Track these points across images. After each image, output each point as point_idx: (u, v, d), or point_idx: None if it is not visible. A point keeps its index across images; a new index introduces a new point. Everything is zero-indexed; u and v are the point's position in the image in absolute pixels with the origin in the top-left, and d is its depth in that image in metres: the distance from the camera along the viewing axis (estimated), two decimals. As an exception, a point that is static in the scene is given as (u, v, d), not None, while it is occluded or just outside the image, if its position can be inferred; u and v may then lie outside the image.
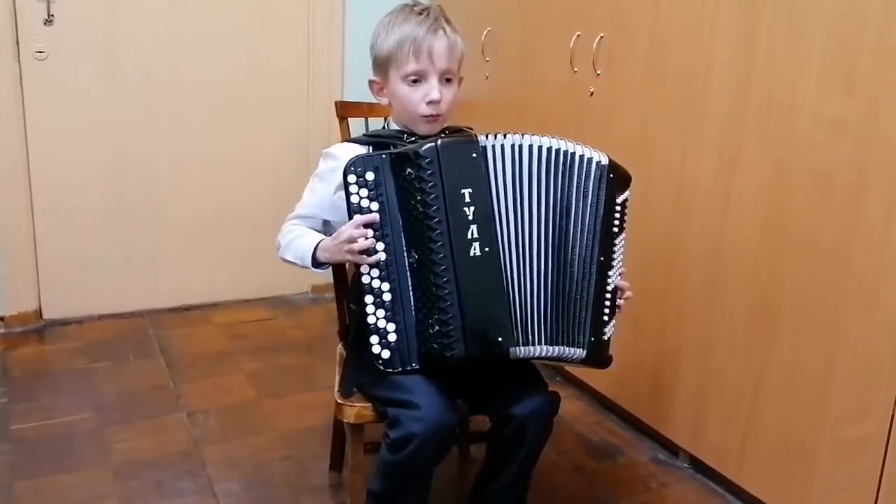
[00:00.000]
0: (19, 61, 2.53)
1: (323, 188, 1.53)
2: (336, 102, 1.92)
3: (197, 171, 2.87)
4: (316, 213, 1.54)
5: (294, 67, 2.95)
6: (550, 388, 1.51)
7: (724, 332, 1.84)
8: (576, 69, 2.21)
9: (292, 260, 1.53)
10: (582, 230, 1.42)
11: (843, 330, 1.56)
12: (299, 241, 1.51)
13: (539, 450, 1.51)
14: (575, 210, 1.42)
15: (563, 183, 1.41)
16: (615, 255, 1.48)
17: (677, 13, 1.90)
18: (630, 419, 2.22)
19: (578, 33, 2.18)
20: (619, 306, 1.50)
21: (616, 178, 1.46)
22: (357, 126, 1.85)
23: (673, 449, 2.08)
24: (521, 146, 1.39)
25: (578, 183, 1.42)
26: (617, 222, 1.47)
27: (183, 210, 2.88)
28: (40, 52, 2.55)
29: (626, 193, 1.50)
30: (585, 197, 1.42)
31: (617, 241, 1.48)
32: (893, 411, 1.47)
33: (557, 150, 1.41)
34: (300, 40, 2.94)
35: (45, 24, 2.53)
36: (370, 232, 1.36)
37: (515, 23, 2.50)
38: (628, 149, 2.08)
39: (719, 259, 1.84)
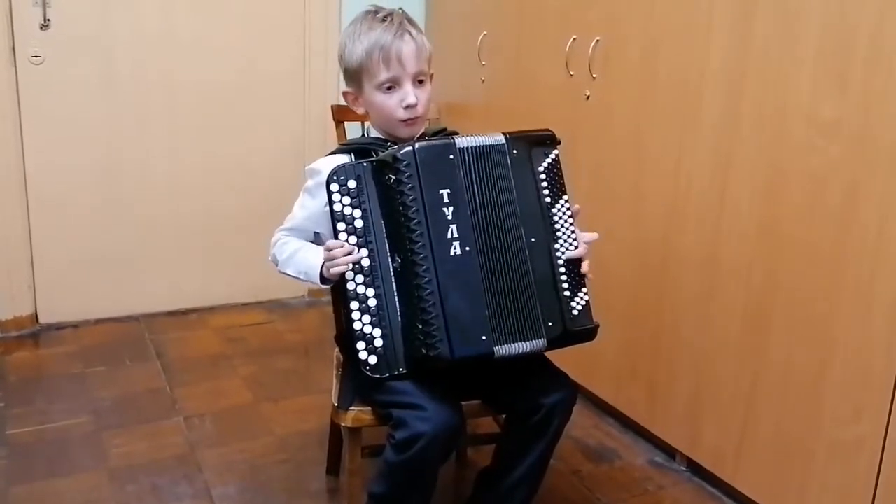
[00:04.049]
0: (15, 65, 2.53)
1: (313, 203, 1.55)
2: (332, 106, 1.92)
3: (193, 174, 2.87)
4: (308, 225, 1.56)
5: (289, 70, 2.95)
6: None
7: (719, 335, 1.84)
8: (572, 73, 2.22)
9: (294, 275, 1.53)
10: (508, 219, 1.40)
11: (837, 332, 1.56)
12: (301, 255, 1.52)
13: (558, 440, 1.53)
14: (499, 200, 1.41)
15: (491, 177, 1.41)
16: (557, 226, 1.45)
17: (672, 17, 1.91)
18: (627, 422, 2.22)
19: (574, 37, 2.19)
20: (584, 276, 1.47)
21: (524, 150, 1.44)
22: (353, 130, 1.85)
23: (670, 452, 2.08)
24: (484, 147, 1.41)
25: (500, 171, 1.41)
26: (547, 191, 1.45)
27: (179, 214, 2.87)
28: (36, 56, 2.55)
29: (553, 155, 1.47)
30: (499, 183, 1.41)
31: (555, 210, 1.46)
32: (890, 413, 1.48)
33: (494, 146, 1.41)
34: (295, 43, 2.94)
35: (41, 28, 2.53)
36: (341, 244, 1.37)
37: (511, 27, 2.50)
38: (623, 152, 2.09)
39: (714, 262, 1.84)
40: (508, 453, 1.53)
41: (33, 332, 2.71)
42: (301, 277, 1.51)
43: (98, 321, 2.81)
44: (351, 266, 1.38)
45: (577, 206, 1.49)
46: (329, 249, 1.39)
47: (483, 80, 2.65)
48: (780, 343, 1.69)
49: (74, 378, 2.41)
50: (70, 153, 2.67)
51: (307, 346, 2.74)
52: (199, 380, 2.44)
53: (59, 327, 2.75)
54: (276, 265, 1.56)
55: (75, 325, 2.77)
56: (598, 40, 2.12)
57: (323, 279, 1.46)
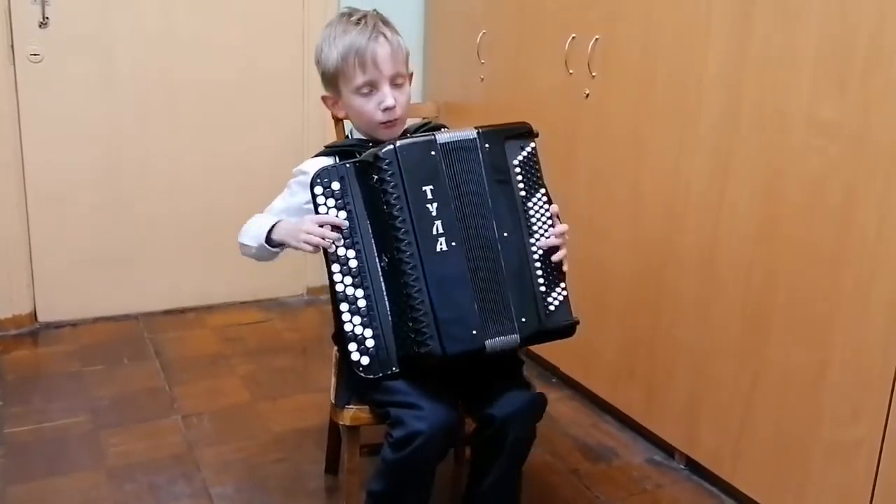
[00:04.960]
0: (14, 64, 2.52)
1: (293, 199, 1.56)
2: (331, 105, 1.91)
3: (192, 173, 2.86)
4: (282, 217, 1.54)
5: (289, 68, 2.94)
6: (540, 390, 1.50)
7: (718, 335, 1.84)
8: (571, 71, 2.21)
9: (247, 243, 1.54)
10: (480, 214, 1.40)
11: (836, 332, 1.56)
12: (259, 228, 1.51)
13: (522, 454, 1.49)
14: (474, 194, 1.40)
15: (466, 172, 1.41)
16: (533, 220, 1.44)
17: (671, 16, 1.90)
18: (625, 420, 2.22)
19: (573, 35, 2.19)
20: (563, 271, 1.45)
21: (497, 144, 1.43)
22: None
23: (668, 450, 2.08)
24: (457, 142, 1.41)
25: (473, 166, 1.41)
26: (522, 185, 1.44)
27: (178, 212, 2.87)
28: (35, 54, 2.54)
29: (529, 148, 1.46)
30: (473, 178, 1.41)
31: (531, 204, 1.45)
32: (887, 414, 1.48)
33: (467, 140, 1.41)
34: (295, 41, 2.93)
35: (39, 26, 2.53)
36: (329, 232, 1.37)
37: (511, 25, 2.50)
38: (622, 151, 2.09)
39: (713, 262, 1.84)
40: (475, 464, 1.53)
41: (32, 331, 2.71)
42: (253, 245, 1.52)
43: (96, 320, 2.80)
44: (315, 246, 1.38)
45: (555, 206, 1.48)
46: (318, 223, 1.38)
47: (482, 79, 2.65)
48: (779, 343, 1.69)
49: (73, 377, 2.41)
50: (69, 152, 2.66)
51: (305, 345, 2.73)
52: (197, 379, 2.44)
53: (57, 326, 2.74)
54: (238, 237, 1.57)
55: (74, 324, 2.76)
56: (597, 39, 2.12)
57: (270, 241, 1.47)
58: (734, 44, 1.74)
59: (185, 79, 2.78)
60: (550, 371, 2.49)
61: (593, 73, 2.14)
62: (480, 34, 2.62)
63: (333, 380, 1.63)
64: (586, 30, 2.15)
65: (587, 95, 2.18)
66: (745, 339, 1.77)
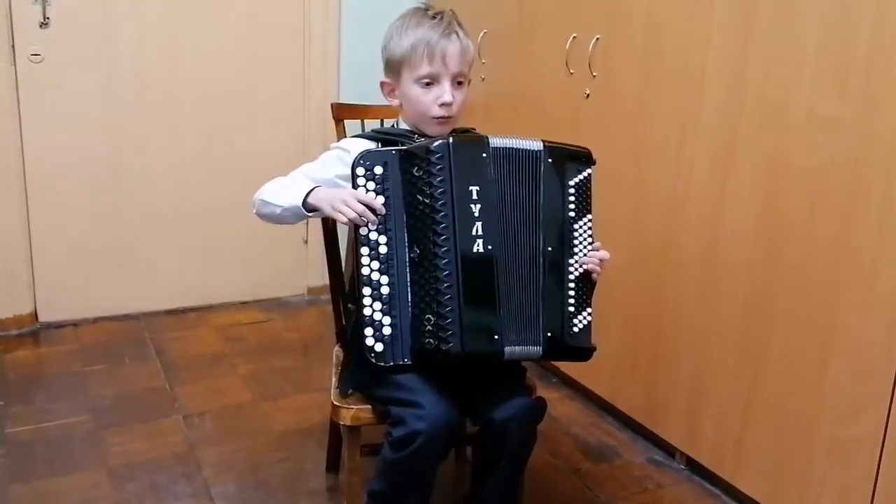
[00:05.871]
0: (15, 64, 2.53)
1: (324, 173, 1.53)
2: (332, 105, 1.92)
3: (193, 173, 2.87)
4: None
5: (290, 69, 2.95)
6: (541, 391, 1.50)
7: (719, 332, 1.84)
8: (572, 71, 2.21)
9: (274, 202, 1.49)
10: (528, 224, 1.41)
11: (838, 329, 1.56)
12: (294, 190, 1.47)
13: (523, 456, 1.50)
14: (525, 203, 1.41)
15: (521, 179, 1.41)
16: (576, 242, 1.46)
17: (672, 14, 1.91)
18: (626, 420, 2.22)
19: (574, 35, 2.19)
20: (591, 296, 1.45)
21: (559, 160, 1.44)
22: (353, 128, 1.85)
23: (669, 450, 2.08)
24: (521, 150, 1.42)
25: (532, 176, 1.42)
26: (573, 206, 1.46)
27: (179, 212, 2.87)
28: (36, 54, 2.54)
29: (586, 172, 1.47)
30: (528, 187, 1.41)
31: (577, 226, 1.46)
32: (889, 411, 1.48)
33: (530, 151, 1.42)
34: (296, 42, 2.94)
35: (40, 26, 2.53)
36: (368, 212, 1.36)
37: (511, 25, 2.50)
38: (624, 150, 2.09)
39: (714, 258, 1.84)
40: (477, 466, 1.53)
41: (33, 331, 2.71)
42: (282, 205, 1.47)
43: (98, 319, 2.80)
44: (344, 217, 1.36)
45: (599, 243, 1.48)
46: (358, 199, 1.36)
47: (483, 79, 2.65)
48: (781, 340, 1.69)
49: (74, 376, 2.41)
50: (70, 152, 2.66)
51: (306, 345, 2.74)
52: (198, 378, 2.44)
53: (58, 326, 2.75)
54: (258, 194, 1.54)
55: (75, 324, 2.77)
56: (597, 38, 2.12)
57: (305, 205, 1.43)
58: (735, 42, 1.74)
59: (186, 79, 2.78)
60: (551, 371, 2.49)
61: (594, 73, 2.14)
62: (481, 33, 2.62)
63: (334, 379, 1.63)
64: (587, 29, 2.15)
65: (588, 95, 2.18)
66: (747, 336, 1.77)
